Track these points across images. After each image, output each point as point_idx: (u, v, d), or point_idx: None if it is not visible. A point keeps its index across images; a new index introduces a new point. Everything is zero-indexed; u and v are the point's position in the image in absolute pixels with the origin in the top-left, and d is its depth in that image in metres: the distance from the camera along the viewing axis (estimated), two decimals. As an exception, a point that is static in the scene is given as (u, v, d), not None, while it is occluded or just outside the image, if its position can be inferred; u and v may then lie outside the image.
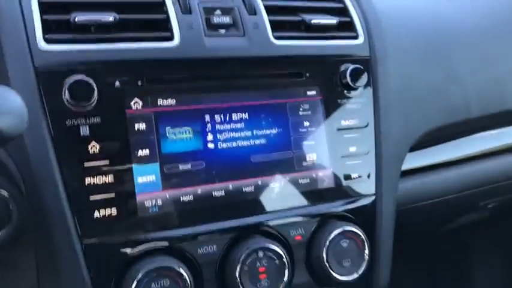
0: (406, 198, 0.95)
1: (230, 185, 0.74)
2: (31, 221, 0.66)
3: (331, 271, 0.77)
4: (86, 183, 0.66)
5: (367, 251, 0.80)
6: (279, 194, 0.77)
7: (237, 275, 0.70)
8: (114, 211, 0.67)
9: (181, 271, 0.67)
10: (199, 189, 0.72)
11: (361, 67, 0.82)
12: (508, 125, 1.12)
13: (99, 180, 0.66)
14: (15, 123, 0.45)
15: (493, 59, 1.05)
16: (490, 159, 1.09)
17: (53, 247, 0.66)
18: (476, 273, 1.55)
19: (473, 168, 1.05)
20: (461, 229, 1.38)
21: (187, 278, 0.67)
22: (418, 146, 0.99)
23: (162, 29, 0.74)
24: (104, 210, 0.66)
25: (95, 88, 0.65)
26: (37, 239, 0.68)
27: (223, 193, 0.74)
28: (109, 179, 0.67)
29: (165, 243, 0.69)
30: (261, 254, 0.72)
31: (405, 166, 0.94)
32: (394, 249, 0.89)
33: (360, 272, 0.79)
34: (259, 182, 0.76)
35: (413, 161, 0.99)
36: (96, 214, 0.66)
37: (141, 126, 0.70)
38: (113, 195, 0.67)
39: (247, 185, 0.75)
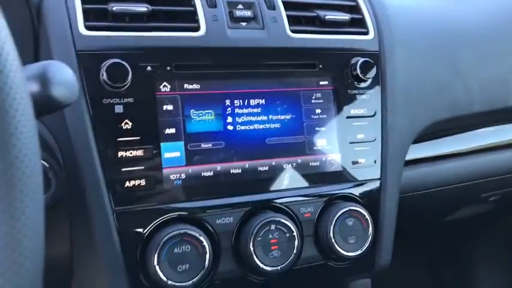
0: (409, 185, 1.01)
1: (247, 164, 0.81)
2: (67, 190, 0.74)
3: (337, 247, 0.83)
4: (119, 156, 0.74)
5: (371, 230, 0.86)
6: (291, 174, 0.84)
7: (251, 245, 0.78)
8: (143, 182, 0.74)
9: (201, 238, 0.74)
10: (219, 166, 0.79)
11: (371, 60, 0.89)
12: (510, 121, 1.18)
13: (130, 154, 0.74)
14: (68, 93, 0.53)
15: (496, 58, 1.11)
16: (491, 153, 1.14)
17: (87, 214, 0.74)
18: (477, 265, 1.60)
19: (474, 160, 1.11)
20: (464, 221, 1.43)
21: (206, 244, 0.74)
22: (422, 138, 1.05)
23: (190, 20, 0.81)
24: (134, 181, 0.74)
25: (130, 71, 0.73)
26: (72, 207, 0.76)
27: (240, 171, 0.81)
28: (139, 153, 0.74)
29: (187, 213, 0.77)
30: (273, 227, 0.79)
31: (409, 156, 1.00)
32: (397, 238, 0.95)
33: (364, 248, 0.86)
34: (273, 163, 0.83)
35: (417, 152, 1.05)
36: (127, 184, 0.74)
37: (168, 107, 0.77)
38: (142, 167, 0.75)
39: (262, 165, 0.82)
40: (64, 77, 0.52)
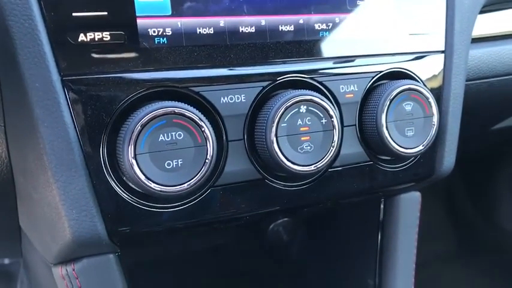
0: (474, 69, 0.77)
1: (262, 20, 0.56)
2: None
3: (391, 140, 0.60)
4: (68, -6, 0.47)
5: (435, 118, 0.62)
6: (328, 38, 0.60)
7: (272, 135, 0.53)
8: (106, 35, 0.49)
9: (200, 122, 0.49)
10: (222, 21, 0.54)
11: None
12: None
13: (85, -9, 0.47)
14: None
15: None
16: None
17: (24, 89, 0.49)
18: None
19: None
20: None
21: (207, 131, 0.49)
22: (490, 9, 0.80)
23: None
24: (92, 33, 0.48)
25: None
26: (3, 80, 0.51)
27: (253, 30, 0.57)
28: (100, -9, 0.48)
29: (176, 85, 0.51)
30: (303, 109, 0.55)
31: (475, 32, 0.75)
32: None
33: (426, 143, 0.63)
34: (301, 21, 0.58)
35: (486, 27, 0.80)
36: (82, 38, 0.48)
37: None
38: (104, 13, 0.48)
39: (285, 23, 0.58)
40: None
